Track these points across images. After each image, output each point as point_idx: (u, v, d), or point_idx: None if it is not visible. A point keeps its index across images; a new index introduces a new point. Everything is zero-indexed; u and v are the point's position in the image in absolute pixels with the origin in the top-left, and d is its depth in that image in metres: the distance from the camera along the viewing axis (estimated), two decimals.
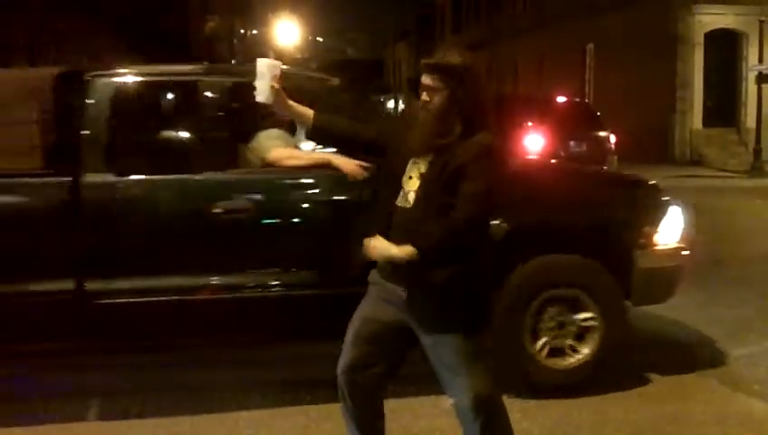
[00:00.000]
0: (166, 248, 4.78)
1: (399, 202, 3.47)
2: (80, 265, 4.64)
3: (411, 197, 3.43)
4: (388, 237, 3.40)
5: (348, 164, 4.73)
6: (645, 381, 5.46)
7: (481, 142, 3.35)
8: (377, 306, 3.56)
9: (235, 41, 44.02)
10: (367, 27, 68.99)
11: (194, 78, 5.34)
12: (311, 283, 4.85)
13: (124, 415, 4.96)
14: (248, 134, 5.15)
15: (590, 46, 31.91)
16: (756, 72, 25.07)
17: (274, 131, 5.16)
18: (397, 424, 4.43)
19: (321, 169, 4.83)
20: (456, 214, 3.30)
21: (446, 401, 3.61)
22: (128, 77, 4.95)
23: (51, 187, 4.67)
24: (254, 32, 51.54)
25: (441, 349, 3.45)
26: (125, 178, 4.72)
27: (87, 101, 4.75)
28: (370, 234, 3.45)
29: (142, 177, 4.78)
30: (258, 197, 4.86)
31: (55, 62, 31.91)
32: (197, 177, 4.84)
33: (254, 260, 4.85)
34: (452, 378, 3.47)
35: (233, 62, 28.47)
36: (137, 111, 5.04)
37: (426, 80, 3.41)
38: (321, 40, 63.69)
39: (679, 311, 6.68)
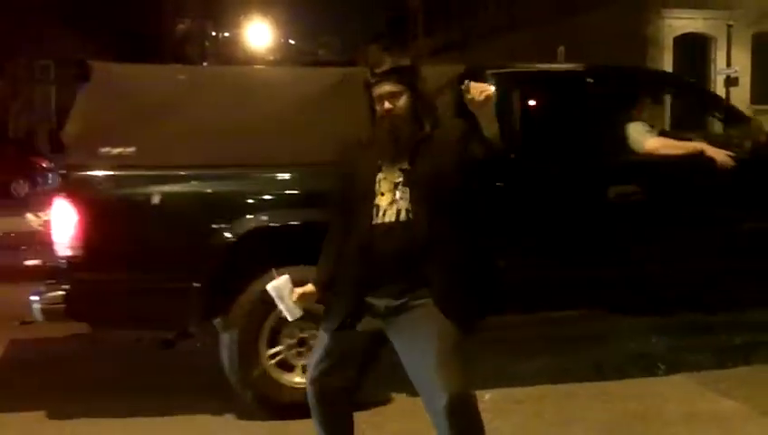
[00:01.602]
0: (570, 227, 5.27)
1: (379, 220, 3.45)
2: (499, 244, 5.05)
3: (391, 212, 3.44)
4: (370, 254, 3.43)
5: (719, 154, 5.42)
6: (614, 380, 5.51)
7: (456, 135, 3.47)
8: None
9: (207, 43, 43.81)
10: (339, 30, 68.89)
11: (574, 75, 5.74)
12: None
13: (97, 413, 4.95)
14: (615, 126, 5.64)
15: (561, 49, 32.08)
16: (724, 76, 25.36)
17: (640, 123, 5.74)
18: (368, 425, 4.44)
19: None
20: None
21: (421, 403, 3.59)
22: (522, 73, 5.64)
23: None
24: (227, 34, 51.30)
25: (426, 345, 3.39)
26: (531, 163, 5.24)
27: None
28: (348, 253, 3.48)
29: (548, 161, 5.31)
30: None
31: (27, 64, 31.67)
32: (601, 161, 5.39)
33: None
34: (429, 377, 3.39)
35: (204, 64, 28.37)
36: (532, 102, 5.53)
37: (386, 87, 3.48)
38: (293, 42, 63.49)
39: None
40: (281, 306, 3.61)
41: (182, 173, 4.86)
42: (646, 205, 5.32)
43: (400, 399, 4.92)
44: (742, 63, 26.30)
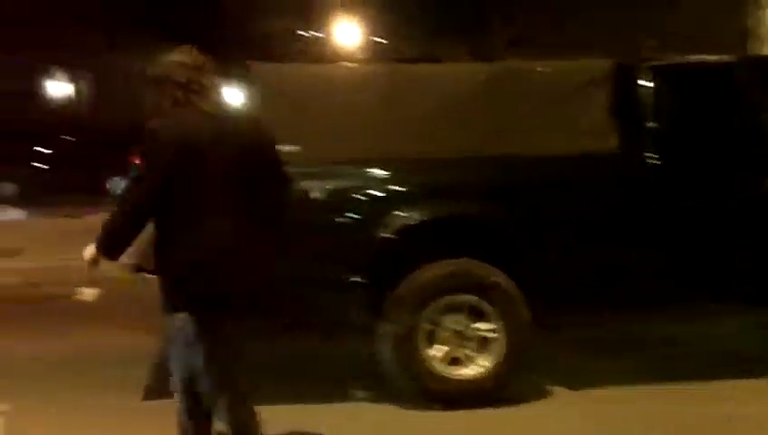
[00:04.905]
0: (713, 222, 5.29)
1: None
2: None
3: None
4: None
5: None
6: (698, 381, 5.39)
7: (146, 127, 3.44)
8: None
9: (298, 42, 44.18)
10: (425, 23, 68.54)
11: (725, 67, 5.64)
12: None
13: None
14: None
15: (652, 42, 31.35)
16: None
17: None
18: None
19: None
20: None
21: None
22: (674, 66, 5.63)
23: (618, 164, 5.22)
24: (314, 33, 51.71)
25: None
26: (684, 159, 5.27)
27: (641, 86, 5.33)
28: None
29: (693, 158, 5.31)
30: None
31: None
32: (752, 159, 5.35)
33: None
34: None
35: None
36: (683, 95, 5.52)
37: None
38: (383, 41, 63.66)
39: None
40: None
41: (342, 170, 5.03)
42: None
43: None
44: None
